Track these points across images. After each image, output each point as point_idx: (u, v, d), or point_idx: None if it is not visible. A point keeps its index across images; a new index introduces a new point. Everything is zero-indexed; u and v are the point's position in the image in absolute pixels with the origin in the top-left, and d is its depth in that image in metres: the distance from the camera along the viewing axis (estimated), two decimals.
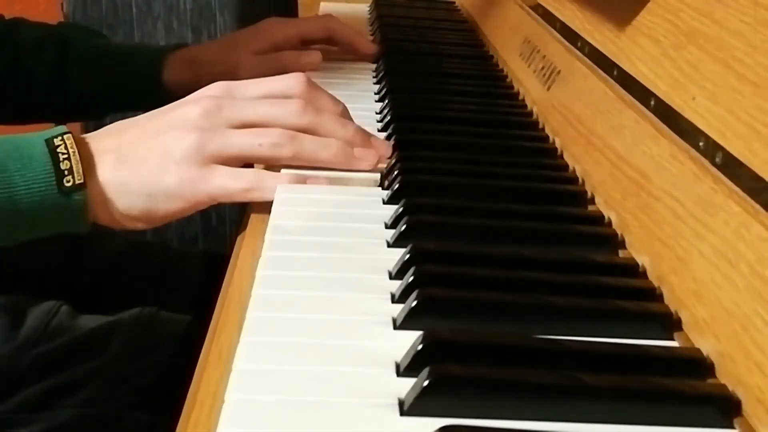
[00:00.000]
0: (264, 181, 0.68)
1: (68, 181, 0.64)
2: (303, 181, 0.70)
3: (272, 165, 0.72)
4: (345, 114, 0.75)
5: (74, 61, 1.07)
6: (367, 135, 0.74)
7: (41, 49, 1.07)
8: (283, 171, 0.70)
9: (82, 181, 0.64)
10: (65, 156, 0.64)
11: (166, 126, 0.68)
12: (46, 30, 1.10)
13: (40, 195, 0.64)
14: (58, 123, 0.73)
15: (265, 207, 0.67)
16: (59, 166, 0.64)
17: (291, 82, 0.72)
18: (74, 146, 0.65)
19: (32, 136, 0.66)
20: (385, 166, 0.73)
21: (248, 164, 0.70)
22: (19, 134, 0.67)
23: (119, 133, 0.69)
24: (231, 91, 0.71)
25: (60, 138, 0.65)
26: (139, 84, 1.07)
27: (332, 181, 0.71)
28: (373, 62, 1.11)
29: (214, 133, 0.67)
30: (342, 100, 0.76)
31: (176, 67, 1.06)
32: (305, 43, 1.09)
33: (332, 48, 1.12)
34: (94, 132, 0.69)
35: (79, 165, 0.64)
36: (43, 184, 0.64)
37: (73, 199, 0.65)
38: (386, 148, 0.74)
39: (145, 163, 0.66)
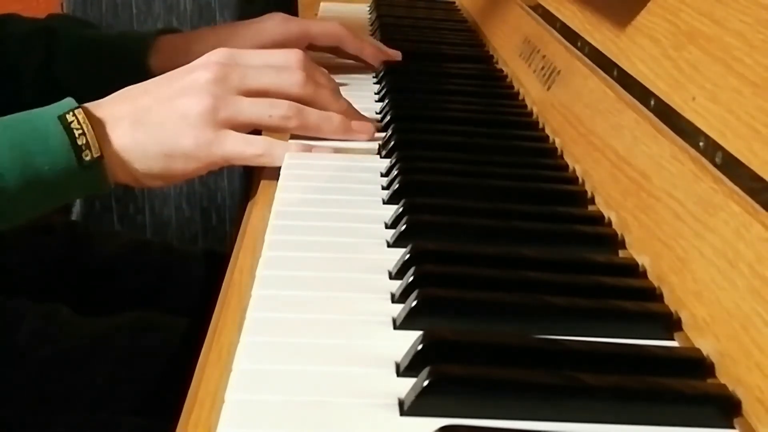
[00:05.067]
0: (274, 149, 0.73)
1: (87, 156, 0.69)
2: (309, 150, 0.76)
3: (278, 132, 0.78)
4: (337, 90, 0.81)
5: (60, 55, 1.03)
6: (357, 111, 0.81)
7: (28, 45, 1.04)
8: (291, 141, 0.77)
9: (99, 154, 0.69)
10: (80, 132, 0.69)
11: (179, 91, 0.72)
12: (34, 25, 1.06)
13: (64, 171, 0.69)
14: None
15: (266, 205, 0.67)
16: (76, 143, 0.69)
17: (291, 55, 0.78)
18: (86, 120, 0.69)
19: (44, 114, 0.70)
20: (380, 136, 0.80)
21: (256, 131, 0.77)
22: (28, 112, 0.71)
23: (131, 100, 0.73)
24: (235, 57, 0.75)
25: (71, 114, 0.69)
26: (125, 75, 1.04)
27: (335, 150, 0.77)
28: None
29: (227, 99, 0.72)
30: None
31: (165, 53, 1.00)
32: (310, 49, 1.03)
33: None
34: (102, 100, 0.73)
35: (95, 139, 0.69)
36: (64, 161, 0.69)
37: (93, 170, 0.70)
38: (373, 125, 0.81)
39: (162, 127, 0.71)
